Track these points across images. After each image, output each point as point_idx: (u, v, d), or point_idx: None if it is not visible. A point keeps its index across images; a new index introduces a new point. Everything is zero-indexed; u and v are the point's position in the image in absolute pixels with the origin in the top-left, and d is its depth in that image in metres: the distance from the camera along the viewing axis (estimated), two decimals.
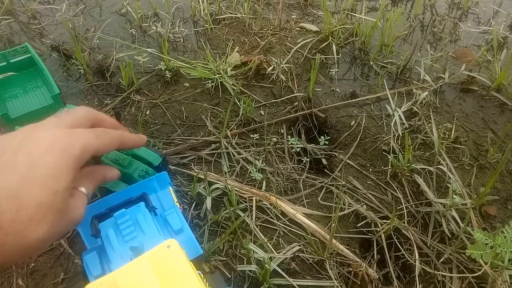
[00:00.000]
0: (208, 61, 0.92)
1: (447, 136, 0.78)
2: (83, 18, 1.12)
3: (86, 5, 1.18)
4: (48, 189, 0.31)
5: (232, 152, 0.75)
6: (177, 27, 1.06)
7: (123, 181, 0.53)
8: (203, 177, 0.68)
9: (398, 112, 0.78)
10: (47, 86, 0.84)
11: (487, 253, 0.53)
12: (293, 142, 0.78)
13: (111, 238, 0.46)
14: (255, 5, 1.17)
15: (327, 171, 0.75)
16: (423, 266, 0.60)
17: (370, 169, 0.75)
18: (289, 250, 0.60)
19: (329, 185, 0.71)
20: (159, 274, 0.34)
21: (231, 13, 1.13)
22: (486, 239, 0.54)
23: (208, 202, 0.65)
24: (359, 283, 0.58)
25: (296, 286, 0.56)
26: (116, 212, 0.49)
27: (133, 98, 0.87)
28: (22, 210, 0.29)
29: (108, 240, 0.46)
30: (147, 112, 0.83)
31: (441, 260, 0.61)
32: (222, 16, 1.12)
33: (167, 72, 0.90)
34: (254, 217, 0.64)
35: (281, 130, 0.82)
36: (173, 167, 0.72)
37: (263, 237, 0.61)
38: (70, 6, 1.17)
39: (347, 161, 0.76)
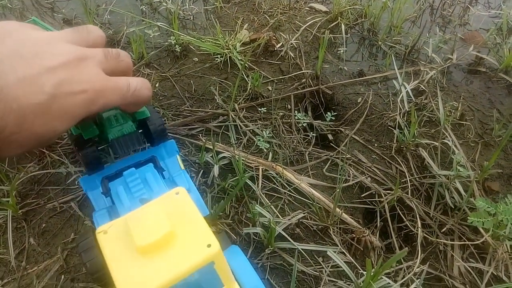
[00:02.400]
0: (217, 37, 0.93)
1: (453, 114, 0.79)
2: None
3: None
4: (50, 127, 0.33)
5: (239, 125, 0.76)
6: (187, 5, 1.07)
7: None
8: (210, 147, 0.69)
9: (405, 87, 0.79)
10: None
11: (489, 221, 0.54)
12: (299, 117, 0.79)
13: (121, 194, 0.48)
14: None
15: (333, 145, 0.76)
16: (425, 235, 0.61)
17: (376, 144, 0.76)
18: (294, 216, 0.61)
19: (334, 158, 0.72)
20: (169, 217, 0.36)
21: None
22: (488, 206, 0.55)
23: (216, 170, 0.66)
24: (362, 249, 0.59)
25: (301, 250, 0.57)
26: (126, 171, 0.50)
27: (143, 72, 0.88)
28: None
29: (118, 196, 0.48)
30: (157, 85, 0.85)
31: (443, 230, 0.62)
32: None
33: (177, 46, 0.91)
34: (260, 185, 0.66)
35: (288, 105, 0.83)
36: (181, 137, 0.74)
37: (269, 203, 0.62)
38: None
39: (353, 136, 0.77)
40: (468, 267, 0.58)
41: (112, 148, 0.48)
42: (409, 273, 0.55)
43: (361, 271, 0.56)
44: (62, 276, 0.55)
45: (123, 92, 0.39)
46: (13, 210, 0.61)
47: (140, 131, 0.52)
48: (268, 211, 0.60)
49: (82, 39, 0.39)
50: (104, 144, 0.51)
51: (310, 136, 0.77)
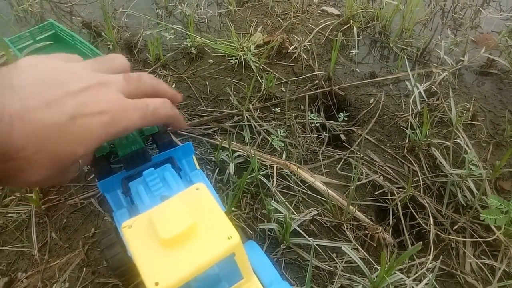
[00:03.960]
0: (232, 40, 0.95)
1: (464, 114, 0.79)
2: None
3: None
4: (70, 148, 0.34)
5: (254, 125, 0.78)
6: (202, 8, 1.10)
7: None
8: (226, 145, 0.71)
9: (418, 88, 0.80)
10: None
11: (501, 218, 0.55)
12: (312, 118, 0.81)
13: (141, 193, 0.50)
14: None
15: (346, 145, 0.78)
16: (437, 232, 0.62)
17: (388, 144, 0.77)
18: (308, 213, 0.63)
19: (348, 157, 0.73)
20: (191, 211, 0.37)
21: None
22: (500, 204, 0.55)
23: (231, 168, 0.68)
24: (375, 246, 0.60)
25: (316, 246, 0.59)
26: (145, 171, 0.52)
27: (159, 73, 0.90)
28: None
29: (138, 194, 0.50)
30: (173, 86, 0.87)
31: (455, 228, 0.63)
32: None
33: (192, 48, 0.93)
34: (275, 183, 0.67)
35: (301, 106, 0.84)
36: (197, 136, 0.76)
37: (283, 200, 0.64)
38: None
39: (365, 136, 0.78)
40: (480, 264, 0.59)
41: (122, 163, 0.50)
42: (421, 269, 0.56)
43: (375, 265, 0.57)
44: (84, 269, 0.57)
45: (143, 112, 0.39)
46: (36, 205, 0.63)
47: (150, 142, 0.54)
48: (283, 208, 0.61)
49: (105, 67, 0.40)
50: (115, 158, 0.53)
51: (323, 136, 0.79)
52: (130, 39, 0.99)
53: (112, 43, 0.96)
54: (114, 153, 0.53)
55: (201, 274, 0.34)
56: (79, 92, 0.35)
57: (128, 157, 0.49)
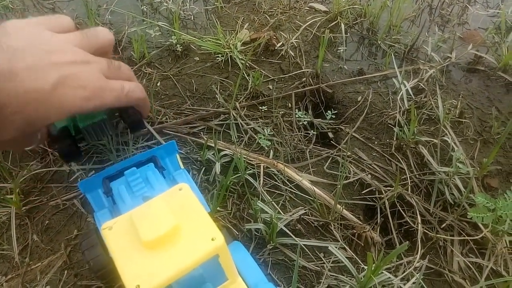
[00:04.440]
0: (218, 37, 0.93)
1: (452, 111, 0.79)
2: None
3: None
4: (45, 115, 0.36)
5: (240, 123, 0.77)
6: (188, 5, 1.08)
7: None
8: (212, 144, 0.70)
9: (405, 86, 0.79)
10: None
11: (488, 216, 0.55)
12: (300, 116, 0.80)
13: (122, 193, 0.48)
14: None
15: (334, 143, 0.77)
16: (425, 231, 0.61)
17: (376, 142, 0.76)
18: (295, 213, 0.62)
19: (335, 155, 0.73)
20: (173, 212, 0.36)
21: None
22: (487, 202, 0.55)
23: (217, 167, 0.67)
24: (363, 245, 0.60)
25: (303, 246, 0.58)
26: (127, 170, 0.51)
27: (144, 71, 0.88)
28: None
29: (119, 195, 0.49)
30: (158, 84, 0.85)
31: (443, 226, 0.62)
32: None
33: (178, 46, 0.92)
34: (262, 182, 0.66)
35: (289, 104, 0.83)
36: (182, 135, 0.74)
37: (270, 199, 0.63)
38: None
39: (353, 134, 0.77)
40: (467, 262, 0.58)
41: (84, 137, 0.48)
42: (409, 268, 0.56)
43: (362, 265, 0.56)
44: (66, 272, 0.56)
45: (118, 93, 0.42)
46: (16, 207, 0.62)
47: (117, 120, 0.52)
48: (269, 207, 0.60)
49: (90, 43, 0.42)
50: (79, 134, 0.50)
51: (311, 134, 0.78)
52: (114, 36, 0.97)
53: None
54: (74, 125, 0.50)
55: (185, 275, 0.33)
56: (64, 65, 0.37)
57: (89, 128, 0.47)
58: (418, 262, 0.57)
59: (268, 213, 0.59)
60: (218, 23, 1.00)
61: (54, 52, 0.37)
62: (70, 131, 0.49)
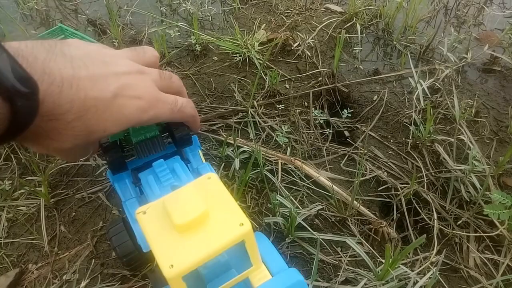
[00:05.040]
0: (236, 37, 0.96)
1: (467, 111, 0.80)
2: None
3: None
4: (103, 125, 0.37)
5: (258, 121, 0.79)
6: (206, 6, 1.10)
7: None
8: (231, 141, 0.72)
9: (421, 85, 0.80)
10: None
11: (504, 213, 0.55)
12: (316, 114, 0.82)
13: (151, 183, 0.50)
14: None
15: (350, 141, 0.78)
16: (441, 227, 0.62)
17: (391, 140, 0.78)
18: (313, 208, 0.63)
19: (351, 153, 0.74)
20: (203, 199, 0.38)
21: None
22: (503, 199, 0.56)
23: (237, 163, 0.69)
24: (379, 240, 0.61)
25: (321, 240, 0.59)
26: (155, 162, 0.53)
27: (164, 70, 0.91)
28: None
29: (148, 184, 0.51)
30: None
31: (458, 223, 0.63)
32: None
33: (197, 46, 0.94)
34: (280, 178, 0.68)
35: (305, 103, 0.85)
36: (202, 132, 0.76)
37: (288, 194, 0.65)
38: None
39: (369, 132, 0.79)
40: (483, 259, 0.59)
41: (135, 151, 0.50)
42: (425, 263, 0.57)
43: (379, 260, 0.58)
44: (93, 261, 0.58)
45: (171, 107, 0.43)
46: (45, 199, 0.64)
47: (165, 134, 0.54)
48: (288, 202, 0.62)
49: (139, 57, 0.44)
50: (128, 146, 0.53)
51: (327, 132, 0.79)
52: (135, 36, 1.00)
53: (117, 41, 0.96)
54: (126, 141, 0.53)
55: (212, 261, 0.35)
56: (122, 75, 0.38)
57: (142, 144, 0.49)
58: (434, 257, 0.58)
59: (287, 208, 0.60)
60: (236, 23, 1.02)
61: (111, 63, 0.38)
62: (120, 144, 0.51)
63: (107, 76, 0.37)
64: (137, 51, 0.44)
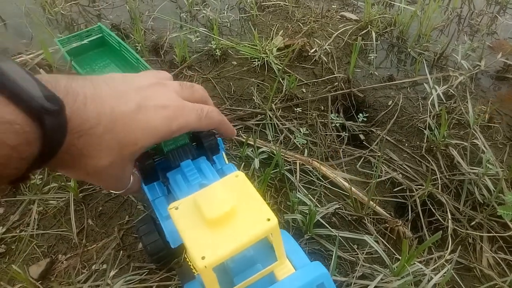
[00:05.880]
0: (254, 43, 0.99)
1: (481, 116, 0.82)
2: (137, 3, 1.21)
3: None
4: (132, 137, 0.38)
5: (276, 123, 0.82)
6: (225, 12, 1.14)
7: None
8: (251, 142, 0.74)
9: (436, 90, 0.83)
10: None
11: None
12: (333, 118, 0.84)
13: (179, 182, 0.53)
14: None
15: (365, 144, 0.81)
16: (455, 227, 0.64)
17: (406, 144, 0.80)
18: (330, 207, 0.66)
19: (367, 155, 0.76)
20: (232, 196, 0.40)
21: (275, 1, 1.20)
22: None
23: (256, 163, 0.72)
24: (395, 239, 0.63)
25: (339, 237, 0.62)
26: (182, 162, 0.55)
27: (185, 73, 0.94)
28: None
29: (176, 183, 0.53)
30: None
31: (472, 224, 0.65)
32: (266, 3, 1.19)
33: (217, 50, 0.97)
34: (298, 177, 0.70)
35: (322, 106, 0.88)
36: None
37: (307, 193, 0.67)
38: None
39: (384, 136, 0.81)
40: (497, 258, 0.61)
41: (167, 159, 0.52)
42: (440, 261, 0.59)
43: (395, 256, 0.60)
44: (120, 253, 0.61)
45: (198, 113, 0.43)
46: (74, 193, 0.67)
47: (194, 143, 0.56)
48: (307, 199, 0.64)
49: (184, 93, 0.45)
50: (160, 156, 0.55)
51: (343, 135, 0.82)
52: (156, 41, 1.04)
53: (140, 44, 1.00)
54: (157, 150, 0.55)
55: (238, 255, 0.37)
56: (143, 88, 0.39)
57: (173, 152, 0.51)
58: (449, 255, 0.59)
59: (306, 205, 0.63)
60: (254, 29, 1.06)
61: (133, 81, 0.40)
62: (152, 153, 0.53)
63: (129, 91, 0.38)
64: (184, 86, 0.45)
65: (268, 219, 0.39)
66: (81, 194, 0.69)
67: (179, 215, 0.40)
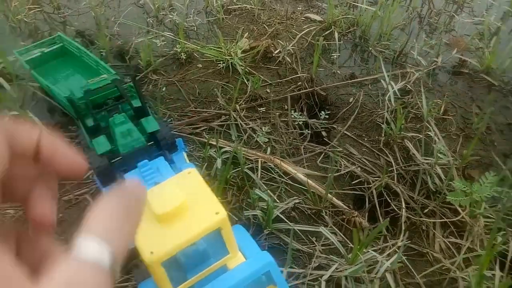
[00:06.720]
0: (220, 46, 1.00)
1: (436, 110, 0.85)
2: (103, 9, 1.21)
3: None
4: None
5: (240, 123, 0.83)
6: (191, 17, 1.15)
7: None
8: (213, 143, 0.76)
9: (392, 87, 0.86)
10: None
11: (465, 199, 0.60)
12: (296, 116, 0.86)
13: None
14: None
15: (327, 140, 0.83)
16: (409, 216, 0.67)
17: (365, 139, 0.82)
18: (290, 202, 0.67)
19: (328, 151, 0.79)
20: (183, 191, 0.41)
21: (241, 4, 1.22)
22: (464, 186, 0.61)
23: (219, 163, 0.73)
24: (352, 229, 0.65)
25: (296, 230, 0.63)
26: (139, 162, 0.56)
27: (151, 78, 0.95)
28: None
29: None
30: (164, 89, 0.92)
31: (425, 211, 0.68)
32: (233, 7, 1.21)
33: (182, 54, 0.98)
34: (259, 175, 0.72)
35: (285, 106, 0.90)
36: (186, 135, 0.81)
37: (266, 189, 0.69)
38: None
39: (345, 131, 0.83)
40: (447, 243, 0.64)
41: (124, 161, 0.51)
42: (393, 248, 0.61)
43: (351, 245, 0.62)
44: None
45: None
46: None
47: (151, 143, 0.57)
48: (266, 196, 0.66)
49: None
50: (116, 158, 0.55)
51: (306, 133, 0.84)
52: (122, 46, 1.05)
53: (105, 50, 1.01)
54: (114, 152, 0.55)
55: (191, 250, 0.38)
56: None
57: (130, 154, 0.51)
58: (401, 241, 0.62)
59: (265, 201, 0.64)
60: (220, 33, 1.07)
61: None
62: (109, 156, 0.53)
63: None
64: None
65: (217, 213, 0.40)
66: None
67: None
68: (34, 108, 0.84)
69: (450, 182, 0.67)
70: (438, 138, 0.77)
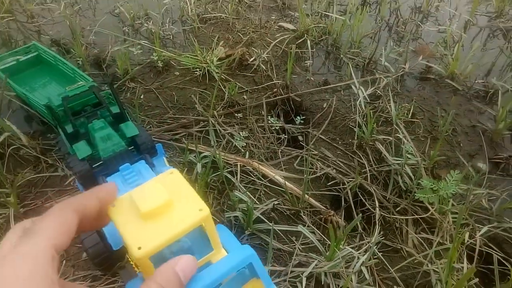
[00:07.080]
0: (196, 54, 1.02)
1: (405, 113, 0.90)
2: (78, 18, 1.21)
3: (81, 6, 1.28)
4: None
5: (218, 129, 0.85)
6: (167, 25, 1.17)
7: None
8: (193, 148, 0.77)
9: (363, 92, 0.90)
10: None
11: (433, 196, 0.64)
12: (272, 122, 0.89)
13: (117, 184, 0.55)
14: (238, 7, 1.29)
15: (303, 144, 0.86)
16: (383, 214, 0.70)
17: (340, 142, 0.86)
18: (270, 203, 0.70)
19: (304, 154, 0.82)
20: (167, 190, 0.43)
21: (216, 14, 1.25)
22: (431, 184, 0.65)
23: (199, 167, 0.74)
24: (329, 228, 0.68)
25: (276, 230, 0.66)
26: (121, 166, 0.57)
27: (128, 85, 0.96)
28: None
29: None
30: (141, 97, 0.93)
31: (398, 210, 0.71)
32: (208, 16, 1.23)
33: (159, 62, 1.00)
34: (239, 178, 0.74)
35: (262, 112, 0.92)
36: (165, 141, 0.82)
37: (246, 190, 0.71)
38: (66, 7, 1.26)
39: (320, 135, 0.87)
40: (420, 239, 0.67)
41: (104, 166, 0.52)
42: (368, 244, 0.64)
43: (329, 242, 0.64)
44: (64, 262, 0.61)
45: None
46: (14, 208, 0.67)
47: (131, 148, 0.58)
48: (246, 197, 0.68)
49: None
50: (97, 162, 0.56)
51: (283, 137, 0.87)
52: (98, 55, 1.05)
53: (81, 59, 1.01)
54: (95, 157, 0.56)
55: (176, 247, 0.40)
56: None
57: (111, 158, 0.52)
58: (376, 237, 0.65)
59: (245, 203, 0.66)
60: (196, 41, 1.09)
61: None
62: (90, 160, 0.54)
63: None
64: None
65: (200, 209, 0.42)
66: (22, 209, 0.68)
67: (115, 211, 0.42)
68: (12, 117, 0.84)
69: (419, 181, 0.71)
70: (407, 140, 0.81)
